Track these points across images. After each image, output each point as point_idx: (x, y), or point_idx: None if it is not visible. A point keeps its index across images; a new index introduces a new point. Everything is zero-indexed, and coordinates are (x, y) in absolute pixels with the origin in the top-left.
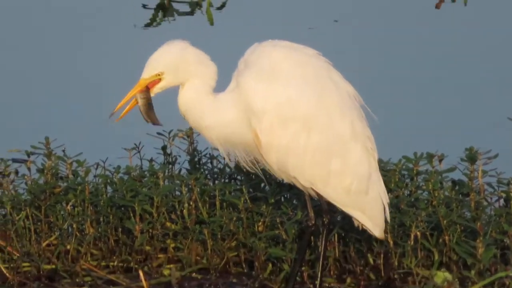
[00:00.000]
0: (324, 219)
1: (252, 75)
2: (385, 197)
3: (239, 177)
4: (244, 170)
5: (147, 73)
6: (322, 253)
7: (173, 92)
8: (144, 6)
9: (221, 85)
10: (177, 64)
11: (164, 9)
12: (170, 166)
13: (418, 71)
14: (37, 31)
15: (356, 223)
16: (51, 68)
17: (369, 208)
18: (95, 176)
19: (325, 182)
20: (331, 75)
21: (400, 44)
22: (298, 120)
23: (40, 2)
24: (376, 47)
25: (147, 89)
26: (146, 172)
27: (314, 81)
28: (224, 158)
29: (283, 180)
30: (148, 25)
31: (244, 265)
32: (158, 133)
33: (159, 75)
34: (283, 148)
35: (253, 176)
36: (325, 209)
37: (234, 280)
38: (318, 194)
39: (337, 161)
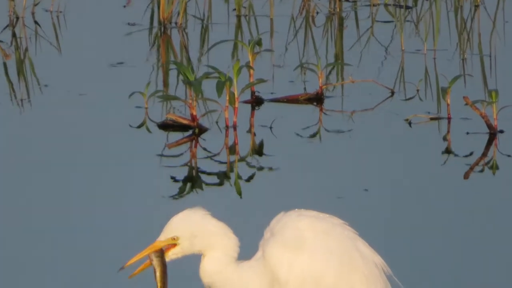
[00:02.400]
0: None
1: (277, 244)
2: None
3: None
4: None
5: (164, 236)
6: None
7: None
8: (172, 178)
9: (248, 256)
10: (195, 232)
11: (192, 181)
12: None
13: (447, 237)
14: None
15: None
16: (75, 234)
17: None
18: None
19: None
20: (357, 245)
21: (430, 214)
22: None
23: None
24: (405, 217)
25: (161, 252)
26: None
27: (339, 251)
28: None
29: None
30: (175, 196)
31: None
32: None
33: (174, 239)
34: None
35: None
36: None
37: None
38: None
39: None
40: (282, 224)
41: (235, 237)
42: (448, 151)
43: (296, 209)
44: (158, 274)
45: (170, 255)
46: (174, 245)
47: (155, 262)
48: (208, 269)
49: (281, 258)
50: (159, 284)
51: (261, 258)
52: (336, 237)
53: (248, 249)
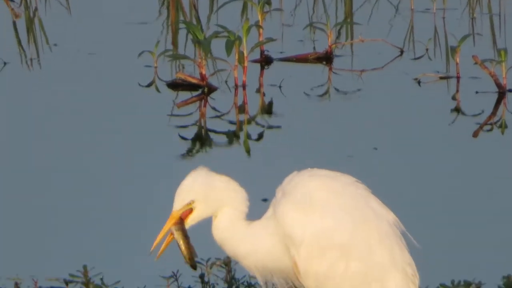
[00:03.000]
0: None
1: (289, 204)
2: None
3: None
4: None
5: (178, 204)
6: None
7: (208, 220)
8: (182, 137)
9: (259, 215)
10: (206, 191)
11: (202, 140)
12: None
13: (455, 196)
14: (67, 173)
15: None
16: (88, 195)
17: None
18: None
19: None
20: (370, 202)
21: (439, 171)
22: (336, 249)
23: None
24: (414, 175)
25: (181, 221)
26: None
27: (352, 209)
28: (261, 286)
29: None
30: (185, 155)
31: None
32: (197, 262)
33: (190, 204)
34: (321, 276)
35: None
36: None
37: None
38: None
39: (376, 283)
40: (294, 184)
41: (243, 190)
42: (457, 110)
43: (309, 168)
44: (182, 247)
45: (189, 222)
46: (191, 210)
47: (176, 235)
48: (220, 226)
49: (293, 219)
50: (186, 255)
51: (272, 217)
52: (348, 196)
53: (257, 207)
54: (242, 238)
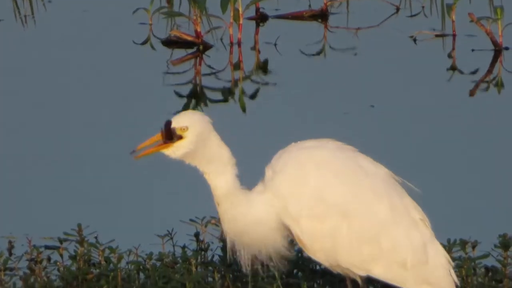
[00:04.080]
0: None
1: (283, 179)
2: (447, 261)
3: (271, 263)
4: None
5: (175, 122)
6: None
7: (204, 182)
8: (177, 94)
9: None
10: (202, 131)
11: (197, 97)
12: (203, 252)
13: (451, 154)
14: (66, 117)
15: None
16: (83, 154)
17: (434, 277)
18: (127, 263)
19: (379, 265)
20: (359, 162)
21: (435, 129)
22: (335, 213)
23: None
24: (411, 133)
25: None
26: (178, 259)
27: (343, 173)
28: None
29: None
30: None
31: None
32: (191, 220)
33: (184, 130)
34: (328, 245)
35: (286, 263)
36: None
37: None
38: (370, 278)
39: (386, 240)
40: (283, 161)
41: (232, 157)
42: (453, 68)
43: (293, 143)
44: None
45: (174, 149)
46: (181, 137)
47: None
48: (218, 184)
49: (288, 195)
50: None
51: (267, 191)
52: (337, 161)
53: (251, 166)
54: (241, 200)
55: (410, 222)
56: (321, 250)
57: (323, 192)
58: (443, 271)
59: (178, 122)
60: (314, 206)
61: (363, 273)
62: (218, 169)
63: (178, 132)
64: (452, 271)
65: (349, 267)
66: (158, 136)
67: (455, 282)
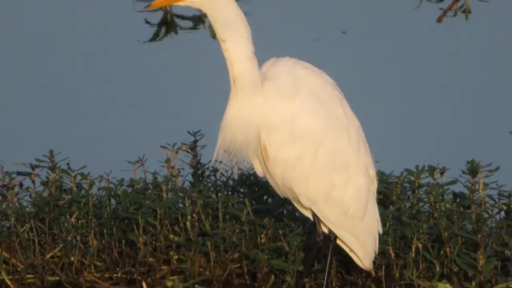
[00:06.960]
0: (331, 235)
1: (275, 87)
2: (378, 226)
3: (241, 190)
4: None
5: None
6: (328, 267)
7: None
8: (147, 22)
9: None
10: None
11: (167, 25)
12: (174, 179)
13: (421, 83)
14: (42, 49)
15: (348, 251)
16: (55, 82)
17: (363, 234)
18: (99, 189)
19: (326, 200)
20: (344, 106)
21: (403, 56)
22: (308, 138)
23: (44, 25)
24: (380, 59)
25: None
26: (149, 185)
27: (328, 106)
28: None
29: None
30: (151, 40)
31: (246, 277)
32: (162, 146)
33: None
34: (290, 163)
35: (256, 189)
36: None
37: None
38: (315, 214)
39: (341, 177)
40: (278, 70)
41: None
42: None
43: (288, 57)
44: None
45: None
46: None
47: None
48: (233, 57)
49: (275, 105)
50: None
51: (258, 97)
52: (327, 93)
53: (221, 93)
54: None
55: (365, 175)
56: (282, 167)
57: (306, 116)
58: (372, 233)
59: None
60: (293, 125)
61: (307, 205)
62: (234, 39)
63: None
64: (378, 239)
65: (300, 194)
66: None
67: (376, 250)
